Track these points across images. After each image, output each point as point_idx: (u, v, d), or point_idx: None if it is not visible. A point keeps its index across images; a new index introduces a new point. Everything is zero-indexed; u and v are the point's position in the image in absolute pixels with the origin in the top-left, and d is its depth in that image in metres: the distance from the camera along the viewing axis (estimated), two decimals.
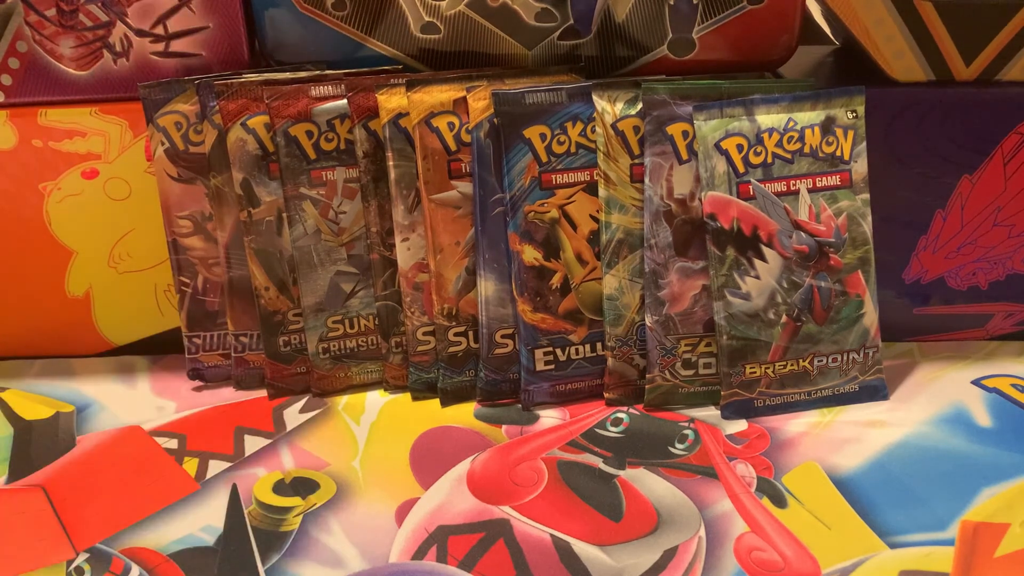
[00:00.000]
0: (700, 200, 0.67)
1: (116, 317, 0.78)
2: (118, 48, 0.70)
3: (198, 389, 0.75)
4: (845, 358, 0.70)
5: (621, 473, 0.65)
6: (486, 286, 0.69)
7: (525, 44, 0.70)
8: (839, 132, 0.67)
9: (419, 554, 0.59)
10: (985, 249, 0.74)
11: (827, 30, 0.84)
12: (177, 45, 0.70)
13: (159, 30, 0.69)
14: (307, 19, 0.69)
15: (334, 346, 0.72)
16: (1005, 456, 0.66)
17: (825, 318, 0.69)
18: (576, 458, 0.67)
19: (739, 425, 0.69)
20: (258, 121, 0.68)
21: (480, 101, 0.67)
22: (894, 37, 0.68)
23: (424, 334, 0.71)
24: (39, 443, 0.70)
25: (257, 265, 0.71)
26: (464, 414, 0.72)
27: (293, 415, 0.72)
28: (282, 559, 0.59)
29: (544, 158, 0.67)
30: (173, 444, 0.69)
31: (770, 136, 0.67)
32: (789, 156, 0.67)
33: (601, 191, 0.68)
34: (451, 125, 0.68)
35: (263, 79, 0.68)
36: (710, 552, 0.59)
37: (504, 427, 0.70)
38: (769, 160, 0.67)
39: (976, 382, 0.74)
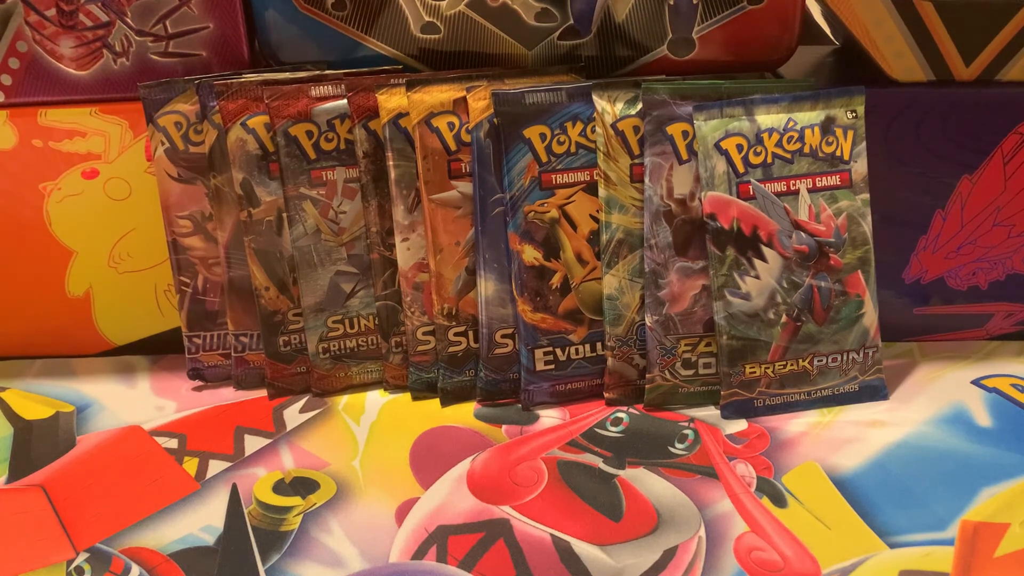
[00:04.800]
0: (700, 200, 0.67)
1: (116, 317, 0.78)
2: (118, 48, 0.70)
3: (198, 389, 0.75)
4: (845, 358, 0.70)
5: (621, 473, 0.65)
6: (486, 286, 0.69)
7: (525, 44, 0.70)
8: (839, 132, 0.67)
9: (419, 554, 0.59)
10: (985, 249, 0.74)
11: (827, 30, 0.84)
12: (177, 45, 0.70)
13: (159, 30, 0.69)
14: (307, 19, 0.69)
15: (334, 346, 0.72)
16: (1005, 456, 0.66)
17: (825, 318, 0.69)
18: (576, 458, 0.67)
19: (739, 425, 0.69)
20: (258, 121, 0.68)
21: (480, 101, 0.67)
22: (894, 37, 0.68)
23: (424, 334, 0.71)
24: (39, 443, 0.70)
25: (257, 265, 0.71)
26: (464, 414, 0.72)
27: (293, 415, 0.72)
28: (282, 559, 0.59)
29: (544, 158, 0.67)
30: (173, 444, 0.69)
31: (770, 136, 0.67)
32: (789, 156, 0.67)
33: (601, 191, 0.68)
34: (451, 125, 0.68)
35: (263, 79, 0.68)
36: (710, 552, 0.59)
37: (504, 427, 0.70)
38: (769, 160, 0.67)
39: (976, 382, 0.73)
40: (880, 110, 0.69)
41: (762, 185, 0.67)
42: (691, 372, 0.70)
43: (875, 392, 0.71)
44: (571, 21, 0.69)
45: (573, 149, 0.68)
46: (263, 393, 0.74)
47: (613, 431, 0.69)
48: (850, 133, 0.67)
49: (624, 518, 0.61)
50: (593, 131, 0.67)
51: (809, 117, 0.67)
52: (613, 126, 0.67)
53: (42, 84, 0.70)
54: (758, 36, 0.70)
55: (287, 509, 0.63)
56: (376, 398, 0.74)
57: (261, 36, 0.71)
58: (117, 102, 0.71)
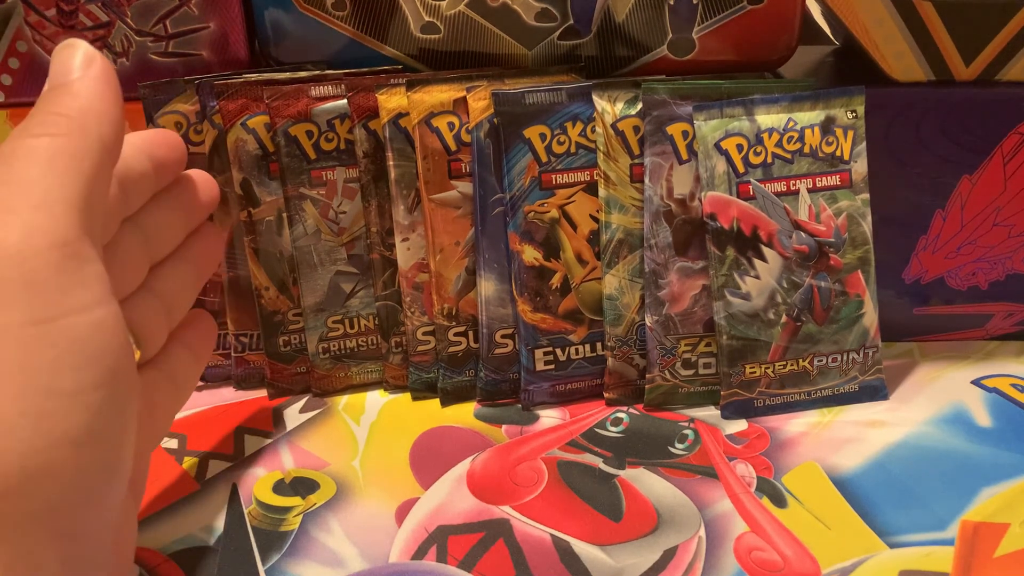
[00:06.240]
0: (700, 200, 0.67)
1: None
2: (118, 48, 0.70)
3: (198, 389, 0.75)
4: (845, 358, 0.70)
5: (621, 473, 0.65)
6: (486, 286, 0.69)
7: (525, 44, 0.70)
8: (839, 132, 0.67)
9: (419, 554, 0.59)
10: (985, 249, 0.75)
11: (827, 30, 0.84)
12: (177, 45, 0.70)
13: (159, 30, 0.69)
14: (307, 19, 0.69)
15: (334, 346, 0.72)
16: (1005, 456, 0.66)
17: (825, 318, 0.69)
18: (576, 458, 0.67)
19: (739, 425, 0.69)
20: (258, 121, 0.68)
21: (480, 101, 0.67)
22: (894, 37, 0.68)
23: (424, 334, 0.71)
24: None
25: (257, 265, 0.71)
26: (464, 414, 0.72)
27: (293, 415, 0.72)
28: (282, 559, 0.59)
29: (544, 158, 0.67)
30: (173, 444, 0.69)
31: (770, 136, 0.67)
32: (789, 156, 0.67)
33: (601, 191, 0.68)
34: (451, 125, 0.68)
35: (263, 79, 0.68)
36: (710, 552, 0.59)
37: (504, 427, 0.70)
38: (769, 160, 0.67)
39: (976, 382, 0.74)
40: (880, 110, 0.69)
41: (762, 185, 0.67)
42: (691, 372, 0.70)
43: (875, 392, 0.71)
44: (571, 21, 0.69)
45: (573, 149, 0.68)
46: (263, 393, 0.74)
47: (613, 431, 0.69)
48: (850, 133, 0.67)
49: (624, 518, 0.61)
50: (593, 131, 0.67)
51: (809, 117, 0.67)
52: (613, 126, 0.67)
53: (42, 84, 0.70)
54: (758, 36, 0.70)
55: (287, 509, 0.63)
56: (376, 398, 0.74)
57: (261, 36, 0.71)
58: None
